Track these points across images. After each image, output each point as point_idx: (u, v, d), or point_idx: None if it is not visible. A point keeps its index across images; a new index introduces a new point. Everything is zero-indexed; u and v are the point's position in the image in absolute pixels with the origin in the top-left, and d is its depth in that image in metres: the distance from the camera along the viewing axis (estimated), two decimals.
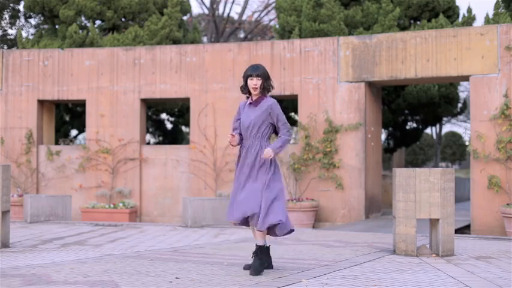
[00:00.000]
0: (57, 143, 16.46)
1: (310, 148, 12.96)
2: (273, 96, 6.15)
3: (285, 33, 16.11)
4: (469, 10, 15.38)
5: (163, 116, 20.92)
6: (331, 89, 12.98)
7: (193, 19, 28.58)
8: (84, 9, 16.56)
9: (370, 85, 13.13)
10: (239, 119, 6.03)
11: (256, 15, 31.66)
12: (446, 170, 7.22)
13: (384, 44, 12.64)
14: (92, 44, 15.96)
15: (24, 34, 20.93)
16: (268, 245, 5.95)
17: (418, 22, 16.09)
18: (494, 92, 11.75)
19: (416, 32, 12.56)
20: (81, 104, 16.41)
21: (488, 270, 6.09)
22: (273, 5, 27.99)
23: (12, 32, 26.76)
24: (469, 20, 15.32)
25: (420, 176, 7.17)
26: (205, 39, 30.31)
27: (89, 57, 14.30)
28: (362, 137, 12.81)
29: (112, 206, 13.40)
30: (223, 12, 30.39)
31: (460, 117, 36.15)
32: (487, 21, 13.98)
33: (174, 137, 20.50)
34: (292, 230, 5.86)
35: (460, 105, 18.40)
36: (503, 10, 14.36)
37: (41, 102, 14.57)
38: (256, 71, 5.89)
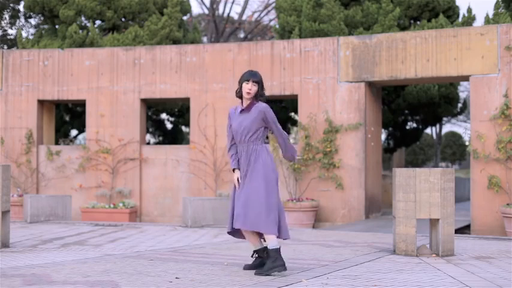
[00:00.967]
0: (57, 143, 16.45)
1: (310, 148, 12.96)
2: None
3: (285, 33, 16.10)
4: (469, 10, 15.38)
5: (163, 116, 20.92)
6: (331, 89, 12.98)
7: (193, 19, 28.58)
8: (84, 9, 16.56)
9: (370, 85, 13.12)
10: (231, 125, 6.09)
11: (256, 15, 31.69)
12: (446, 170, 7.22)
13: (384, 44, 12.64)
14: (92, 44, 15.96)
15: (24, 34, 20.93)
16: (267, 246, 5.97)
17: (418, 22, 16.09)
18: (494, 92, 11.75)
19: (416, 32, 12.56)
20: (81, 104, 16.41)
21: (488, 270, 6.09)
22: (273, 5, 27.98)
23: (12, 32, 26.77)
24: (469, 20, 15.33)
25: (420, 176, 7.17)
26: (205, 39, 30.30)
27: (89, 57, 14.30)
28: (362, 137, 12.81)
29: (112, 206, 13.40)
30: (223, 12, 30.40)
31: (460, 117, 36.16)
32: (487, 21, 13.98)
33: (174, 137, 20.50)
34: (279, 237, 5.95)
35: (460, 105, 18.40)
36: (503, 10, 14.36)
37: (41, 102, 14.57)
38: (254, 77, 5.99)
